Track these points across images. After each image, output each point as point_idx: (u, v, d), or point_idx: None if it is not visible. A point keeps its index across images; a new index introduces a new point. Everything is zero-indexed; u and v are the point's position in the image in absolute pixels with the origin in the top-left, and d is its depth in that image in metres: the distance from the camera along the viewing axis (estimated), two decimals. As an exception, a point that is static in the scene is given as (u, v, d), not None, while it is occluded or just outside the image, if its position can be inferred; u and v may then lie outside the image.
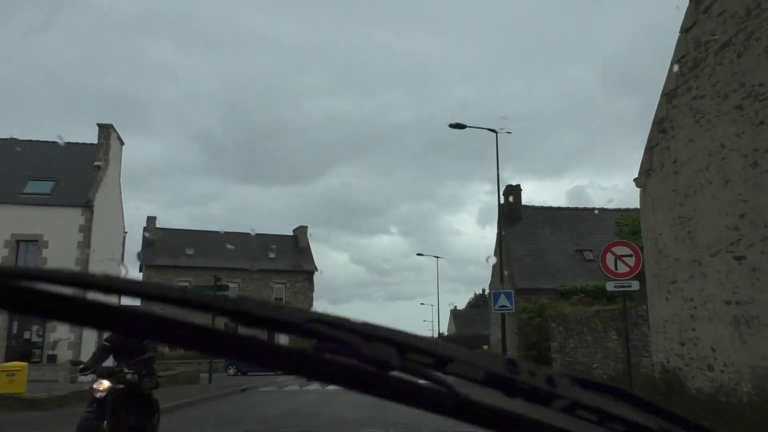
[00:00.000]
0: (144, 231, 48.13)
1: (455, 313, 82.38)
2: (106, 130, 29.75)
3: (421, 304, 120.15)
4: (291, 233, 53.55)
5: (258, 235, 52.76)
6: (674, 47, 9.97)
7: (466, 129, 22.27)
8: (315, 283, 50.30)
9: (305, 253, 51.78)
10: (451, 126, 22.79)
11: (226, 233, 51.55)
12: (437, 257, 49.34)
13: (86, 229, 27.07)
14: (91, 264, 26.70)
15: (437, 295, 72.27)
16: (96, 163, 29.17)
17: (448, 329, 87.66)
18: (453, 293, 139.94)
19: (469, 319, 79.68)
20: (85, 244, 26.88)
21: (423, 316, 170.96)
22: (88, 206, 27.19)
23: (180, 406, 15.36)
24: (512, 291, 22.06)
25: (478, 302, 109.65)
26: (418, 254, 49.05)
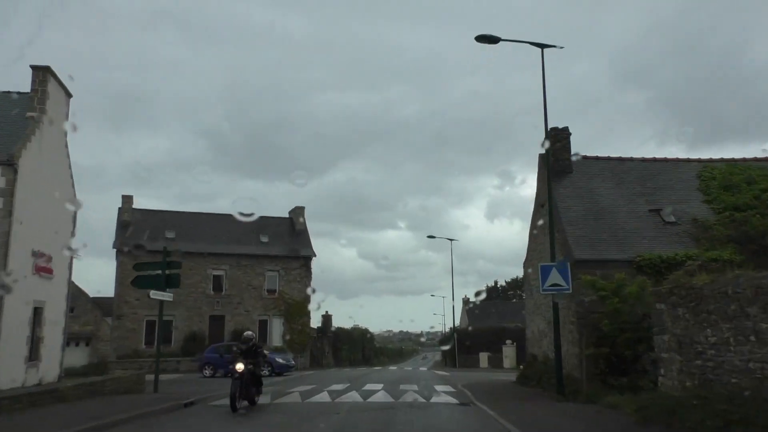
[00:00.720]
0: (119, 212, 41.88)
1: (468, 306, 75.76)
2: (41, 74, 23.10)
3: (432, 295, 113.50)
4: (287, 215, 47.18)
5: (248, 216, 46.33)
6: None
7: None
8: (312, 270, 43.93)
9: (302, 236, 45.36)
10: (480, 39, 16.34)
11: (213, 215, 45.19)
12: (451, 239, 42.88)
13: (8, 194, 20.59)
14: (14, 237, 20.32)
15: (452, 281, 65.44)
16: (28, 114, 22.75)
17: (461, 322, 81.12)
18: (462, 287, 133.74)
19: (484, 311, 73.08)
20: (6, 213, 20.45)
21: (433, 309, 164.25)
22: (9, 164, 20.67)
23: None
24: (568, 264, 15.59)
25: (491, 295, 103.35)
26: (430, 236, 42.52)
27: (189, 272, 40.60)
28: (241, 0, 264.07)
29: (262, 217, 46.01)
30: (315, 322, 47.31)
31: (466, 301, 77.55)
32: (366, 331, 66.70)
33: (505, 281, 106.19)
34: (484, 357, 39.46)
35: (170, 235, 41.70)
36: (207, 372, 28.36)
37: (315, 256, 43.85)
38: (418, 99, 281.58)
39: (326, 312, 50.02)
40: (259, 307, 41.88)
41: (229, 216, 45.24)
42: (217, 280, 41.51)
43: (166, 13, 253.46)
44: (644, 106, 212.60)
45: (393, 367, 43.46)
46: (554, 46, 16.42)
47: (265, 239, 43.90)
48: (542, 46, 16.39)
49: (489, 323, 56.58)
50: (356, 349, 59.66)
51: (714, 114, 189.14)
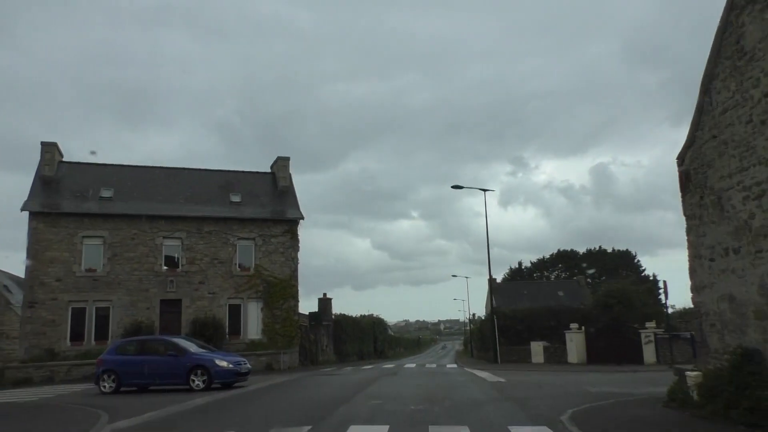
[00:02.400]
0: (39, 165, 30.32)
1: (495, 287, 63.56)
2: None
3: (453, 276, 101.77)
4: (269, 170, 35.41)
5: (217, 172, 34.65)
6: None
7: None
8: (300, 236, 32.03)
9: (287, 195, 33.55)
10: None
11: (164, 168, 33.46)
12: (484, 190, 30.71)
13: None
14: None
15: (487, 242, 52.73)
16: None
17: (486, 306, 69.06)
18: (478, 276, 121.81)
19: (514, 293, 61.09)
20: None
21: (452, 295, 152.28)
22: None
23: None
24: None
25: (515, 277, 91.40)
26: (455, 186, 30.37)
27: (131, 242, 29.04)
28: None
29: (233, 172, 34.43)
30: (307, 306, 35.70)
31: (492, 283, 65.42)
32: (377, 319, 54.87)
33: (531, 262, 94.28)
34: (537, 348, 27.34)
35: (107, 193, 30.08)
36: (106, 385, 16.64)
37: (303, 218, 32.03)
38: (429, 87, 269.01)
39: (324, 294, 38.26)
40: (229, 287, 30.17)
41: (187, 170, 33.69)
42: (170, 252, 29.82)
43: (174, 8, 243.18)
44: (657, 86, 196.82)
45: (410, 365, 31.50)
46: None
47: (236, 198, 32.12)
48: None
49: (521, 304, 44.63)
50: (366, 340, 47.99)
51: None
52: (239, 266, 30.58)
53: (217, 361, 16.48)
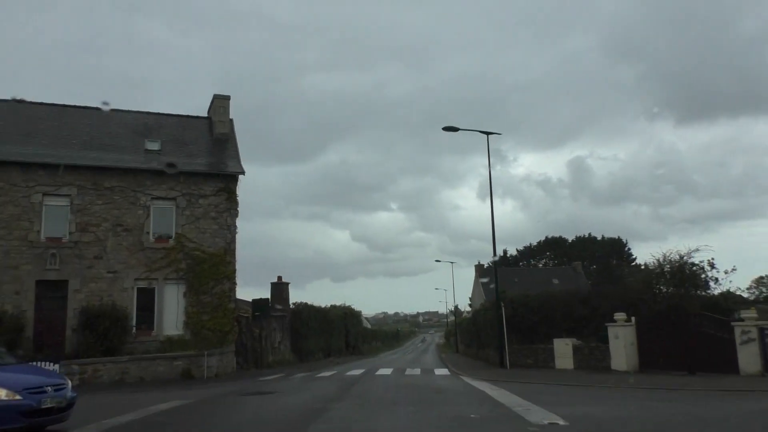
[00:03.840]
0: None
1: (482, 273, 55.82)
2: None
3: (437, 261, 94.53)
4: (205, 114, 26.67)
5: (133, 113, 25.73)
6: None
7: None
8: (239, 197, 23.40)
9: (225, 145, 24.87)
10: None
11: (59, 106, 24.47)
12: (487, 133, 22.06)
13: None
14: None
15: (490, 192, 44.24)
16: None
17: (474, 295, 61.15)
18: (457, 269, 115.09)
19: (502, 280, 52.98)
20: None
21: (433, 285, 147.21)
22: None
23: None
24: None
25: (503, 263, 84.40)
26: (447, 128, 21.76)
27: (-4, 200, 20.17)
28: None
29: (153, 114, 25.59)
30: (248, 291, 26.99)
31: (480, 269, 57.56)
32: (349, 310, 46.40)
33: (517, 249, 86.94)
34: (564, 348, 19.08)
35: (-35, 133, 21.17)
36: None
37: (243, 173, 23.34)
38: (411, 78, 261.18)
39: (279, 278, 29.72)
40: (138, 264, 21.46)
41: (88, 109, 24.61)
42: (54, 215, 21.01)
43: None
44: (635, 80, 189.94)
45: (385, 370, 23.02)
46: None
47: (154, 146, 23.33)
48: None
49: (522, 290, 36.63)
50: (335, 334, 39.60)
51: (704, 87, 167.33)
52: (154, 236, 21.91)
53: (-13, 386, 7.87)
